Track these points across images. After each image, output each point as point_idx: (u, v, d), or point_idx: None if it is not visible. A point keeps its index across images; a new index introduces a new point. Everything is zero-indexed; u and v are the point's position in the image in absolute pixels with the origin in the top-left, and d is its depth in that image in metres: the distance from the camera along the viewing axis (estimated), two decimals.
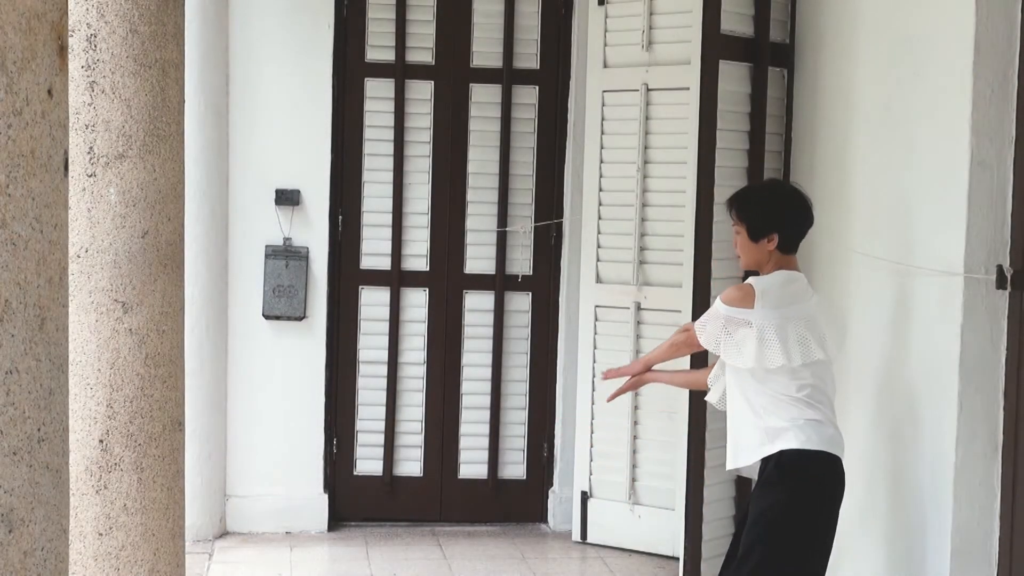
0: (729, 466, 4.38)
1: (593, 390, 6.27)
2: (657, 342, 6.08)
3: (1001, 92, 4.28)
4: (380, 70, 6.40)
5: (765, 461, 4.19)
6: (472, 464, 6.59)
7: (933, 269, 4.43)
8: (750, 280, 4.23)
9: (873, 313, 4.89)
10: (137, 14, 3.50)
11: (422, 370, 6.54)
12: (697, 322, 4.30)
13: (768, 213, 4.23)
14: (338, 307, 6.43)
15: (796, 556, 4.15)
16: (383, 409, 6.50)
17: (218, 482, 6.28)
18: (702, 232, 5.26)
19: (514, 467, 6.64)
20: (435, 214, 6.49)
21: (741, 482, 5.49)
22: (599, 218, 6.22)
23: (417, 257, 6.51)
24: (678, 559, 5.51)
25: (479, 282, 6.56)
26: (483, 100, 6.49)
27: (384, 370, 6.49)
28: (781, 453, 4.14)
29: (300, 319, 6.29)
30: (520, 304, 6.59)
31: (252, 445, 6.33)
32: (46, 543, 1.55)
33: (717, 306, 4.22)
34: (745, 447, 4.24)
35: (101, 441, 3.51)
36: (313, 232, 6.32)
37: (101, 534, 3.52)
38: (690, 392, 5.30)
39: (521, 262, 6.56)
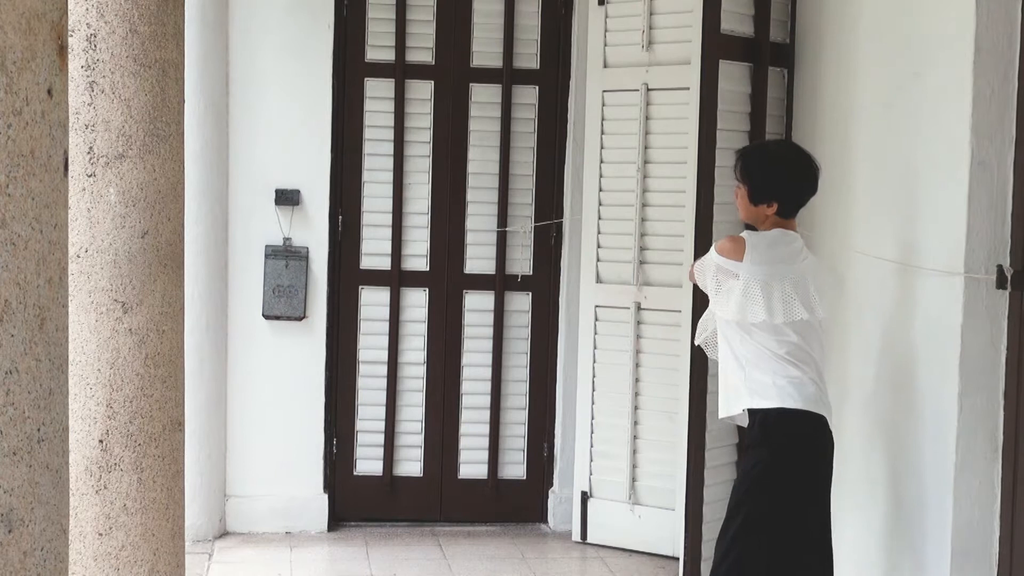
0: (721, 415, 4.44)
1: (593, 390, 6.27)
2: (657, 342, 6.11)
3: (1001, 92, 4.28)
4: (380, 70, 6.40)
5: (751, 421, 4.27)
6: (472, 464, 6.59)
7: (933, 269, 4.43)
8: (744, 233, 4.31)
9: (873, 313, 4.89)
10: (137, 14, 3.50)
11: (422, 370, 6.54)
12: (696, 263, 4.42)
13: (771, 180, 4.28)
14: (338, 307, 6.43)
15: (782, 515, 4.20)
16: (383, 409, 6.50)
17: (218, 482, 6.28)
18: (702, 232, 5.26)
19: (514, 467, 6.64)
20: (435, 214, 6.49)
21: None
22: (599, 218, 6.22)
23: (417, 257, 6.51)
24: (678, 559, 5.51)
25: (479, 282, 6.56)
26: (483, 100, 6.49)
27: (384, 370, 6.49)
28: (764, 413, 4.20)
29: (300, 319, 6.29)
30: (520, 304, 6.59)
31: (252, 445, 6.33)
32: (46, 543, 1.55)
33: (711, 253, 4.31)
34: (734, 396, 4.32)
35: (101, 441, 3.50)
36: (313, 232, 6.32)
37: (101, 534, 3.52)
38: (690, 392, 5.30)
39: (521, 262, 6.56)
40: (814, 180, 4.32)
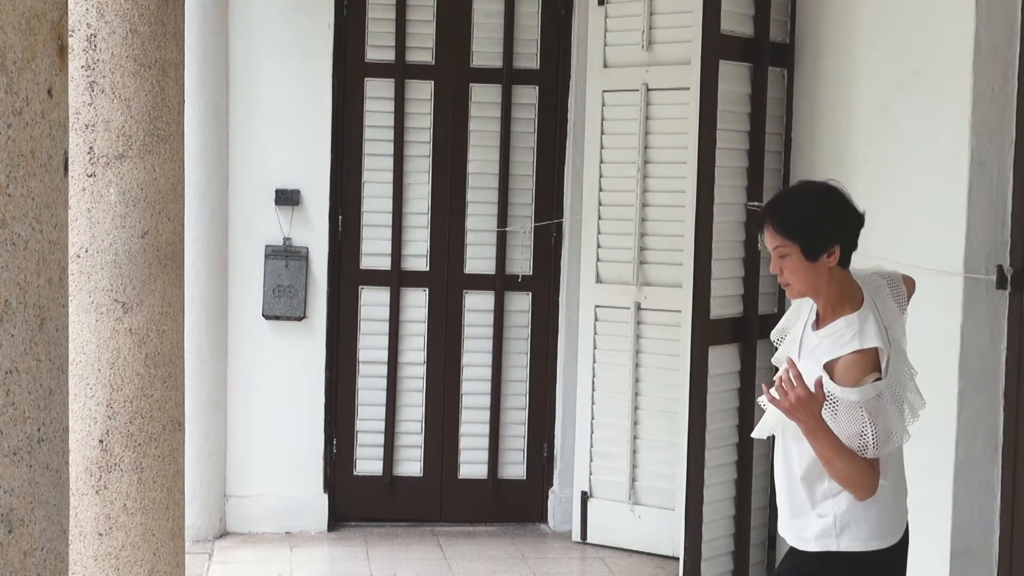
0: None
1: (593, 390, 6.27)
2: (657, 342, 6.09)
3: (1001, 92, 4.28)
4: (380, 70, 6.40)
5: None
6: (472, 464, 6.59)
7: (933, 269, 4.43)
8: (863, 345, 3.20)
9: None
10: (137, 14, 3.50)
11: (422, 370, 6.54)
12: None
13: (824, 222, 3.28)
14: (338, 307, 6.43)
15: None
16: (383, 409, 6.50)
17: (218, 482, 6.28)
18: (702, 232, 5.26)
19: (514, 467, 6.64)
20: (435, 214, 6.49)
21: (741, 482, 5.49)
22: (599, 218, 6.22)
23: (417, 257, 6.51)
24: (678, 559, 5.50)
25: (479, 282, 6.56)
26: (483, 100, 6.49)
27: (384, 370, 6.49)
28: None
29: (300, 319, 6.29)
30: (520, 304, 6.59)
31: (252, 445, 6.33)
32: (46, 543, 1.55)
33: (838, 389, 3.16)
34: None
35: (101, 441, 3.50)
36: (313, 232, 6.32)
37: (101, 534, 3.52)
38: (690, 392, 5.29)
39: (521, 262, 6.56)
40: (858, 209, 3.39)
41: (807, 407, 3.11)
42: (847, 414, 3.13)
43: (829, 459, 3.13)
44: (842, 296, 3.27)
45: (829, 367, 3.19)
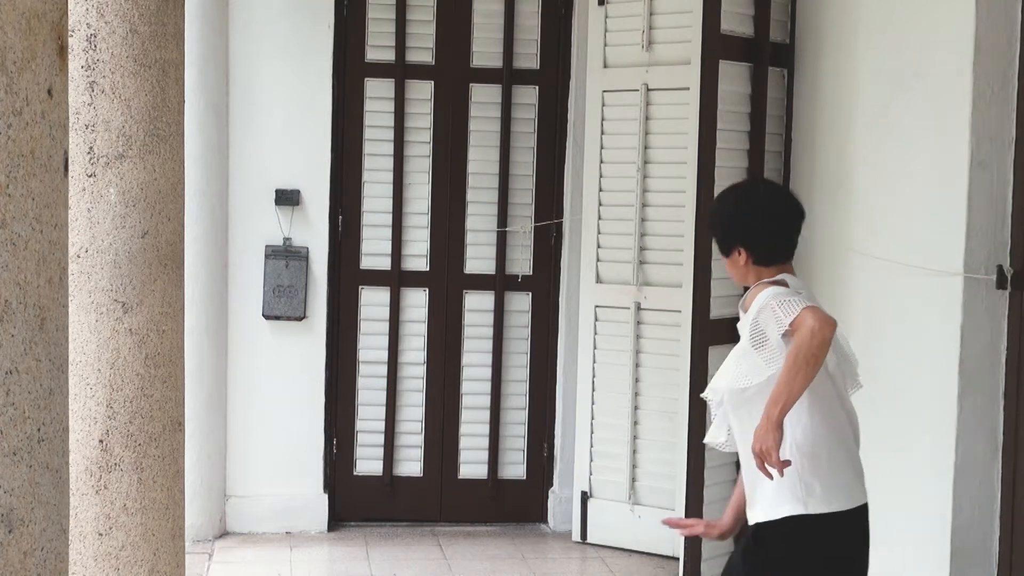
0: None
1: (593, 390, 6.27)
2: (657, 342, 6.09)
3: (1001, 92, 4.28)
4: (380, 70, 6.40)
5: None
6: (472, 464, 6.59)
7: (933, 269, 4.43)
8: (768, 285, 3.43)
9: (873, 313, 4.89)
10: (137, 14, 3.50)
11: (422, 370, 6.54)
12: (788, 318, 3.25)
13: (725, 224, 3.49)
14: (338, 307, 6.43)
15: None
16: (383, 409, 6.50)
17: (218, 482, 6.28)
18: (702, 232, 5.26)
19: (514, 467, 6.64)
20: (435, 214, 6.49)
21: None
22: (599, 218, 6.21)
23: (417, 257, 6.51)
24: (678, 559, 5.51)
25: (479, 282, 6.56)
26: (483, 100, 6.49)
27: (384, 370, 6.49)
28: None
29: (300, 319, 6.29)
30: (520, 304, 6.59)
31: (252, 445, 6.33)
32: (46, 543, 1.55)
33: (765, 297, 3.33)
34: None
35: (101, 441, 3.50)
36: (313, 232, 6.32)
37: (101, 534, 3.52)
38: (690, 392, 5.29)
39: (521, 262, 6.56)
40: (782, 217, 3.50)
41: (770, 439, 3.19)
42: (766, 320, 3.27)
43: (800, 377, 3.19)
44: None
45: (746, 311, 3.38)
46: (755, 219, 3.43)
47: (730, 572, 3.56)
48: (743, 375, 3.34)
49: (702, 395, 3.72)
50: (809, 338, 3.16)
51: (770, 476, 3.23)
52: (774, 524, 3.37)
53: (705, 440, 3.71)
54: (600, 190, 6.21)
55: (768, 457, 3.17)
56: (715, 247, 3.62)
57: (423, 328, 6.53)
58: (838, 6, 5.26)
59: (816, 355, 3.17)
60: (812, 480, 3.32)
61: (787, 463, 3.22)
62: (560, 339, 6.57)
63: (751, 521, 3.45)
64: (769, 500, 3.37)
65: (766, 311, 3.28)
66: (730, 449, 3.57)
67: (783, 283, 3.40)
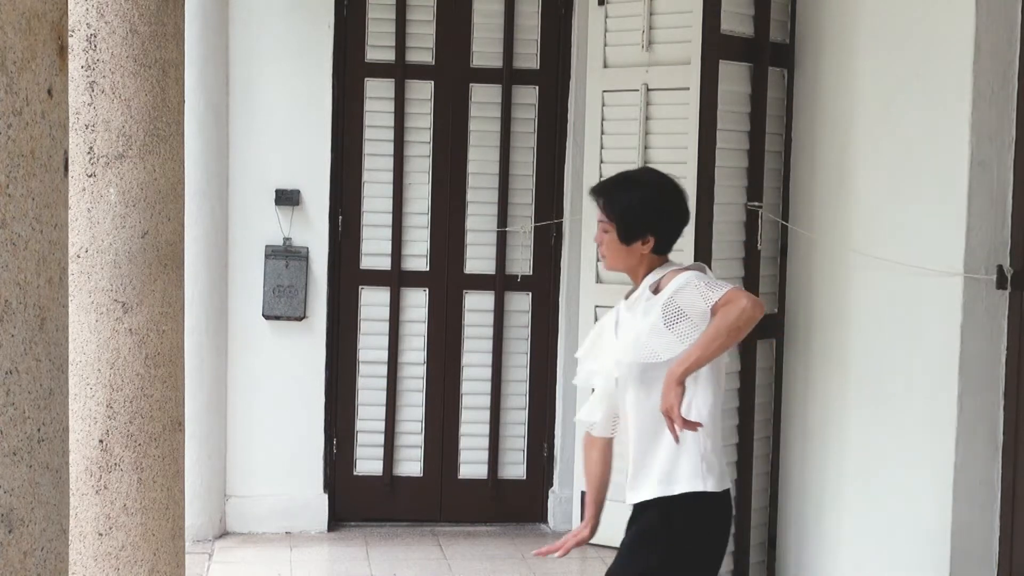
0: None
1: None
2: None
3: (1001, 92, 4.28)
4: (380, 70, 6.40)
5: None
6: (472, 464, 6.59)
7: (933, 269, 4.43)
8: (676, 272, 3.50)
9: (873, 313, 4.89)
10: (137, 14, 3.50)
11: (422, 370, 6.54)
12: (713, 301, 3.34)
13: (644, 213, 3.52)
14: (338, 307, 6.43)
15: None
16: (383, 409, 6.50)
17: (218, 482, 6.28)
18: (702, 232, 5.26)
19: (514, 467, 6.64)
20: (435, 214, 6.49)
21: (741, 482, 5.48)
22: None
23: (417, 257, 6.51)
24: None
25: (479, 282, 6.56)
26: (483, 100, 6.49)
27: (384, 370, 6.49)
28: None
29: (300, 319, 6.29)
30: (520, 304, 6.59)
31: (252, 445, 6.33)
32: (46, 543, 1.55)
33: (690, 282, 3.40)
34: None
35: (101, 441, 3.51)
36: (313, 232, 6.32)
37: (101, 534, 3.52)
38: None
39: (521, 262, 6.56)
40: (687, 204, 3.67)
41: (672, 395, 3.25)
42: (688, 298, 3.34)
43: (717, 343, 3.26)
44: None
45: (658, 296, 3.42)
46: (669, 207, 3.56)
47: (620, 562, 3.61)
48: (654, 352, 3.40)
49: (574, 381, 3.86)
50: (738, 312, 3.24)
51: (677, 439, 3.28)
52: (673, 500, 3.44)
53: (577, 417, 3.78)
54: None
55: (671, 411, 3.22)
56: (596, 231, 3.62)
57: (423, 328, 6.53)
58: (838, 6, 5.26)
59: (740, 329, 3.26)
60: (712, 458, 3.44)
61: (698, 424, 3.30)
62: (560, 339, 6.57)
63: (637, 499, 3.52)
64: (667, 475, 3.44)
65: (688, 289, 3.35)
66: (600, 433, 3.71)
67: (702, 268, 3.52)
